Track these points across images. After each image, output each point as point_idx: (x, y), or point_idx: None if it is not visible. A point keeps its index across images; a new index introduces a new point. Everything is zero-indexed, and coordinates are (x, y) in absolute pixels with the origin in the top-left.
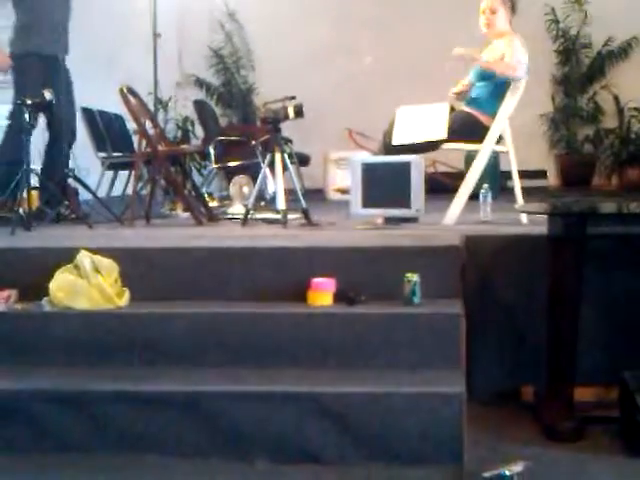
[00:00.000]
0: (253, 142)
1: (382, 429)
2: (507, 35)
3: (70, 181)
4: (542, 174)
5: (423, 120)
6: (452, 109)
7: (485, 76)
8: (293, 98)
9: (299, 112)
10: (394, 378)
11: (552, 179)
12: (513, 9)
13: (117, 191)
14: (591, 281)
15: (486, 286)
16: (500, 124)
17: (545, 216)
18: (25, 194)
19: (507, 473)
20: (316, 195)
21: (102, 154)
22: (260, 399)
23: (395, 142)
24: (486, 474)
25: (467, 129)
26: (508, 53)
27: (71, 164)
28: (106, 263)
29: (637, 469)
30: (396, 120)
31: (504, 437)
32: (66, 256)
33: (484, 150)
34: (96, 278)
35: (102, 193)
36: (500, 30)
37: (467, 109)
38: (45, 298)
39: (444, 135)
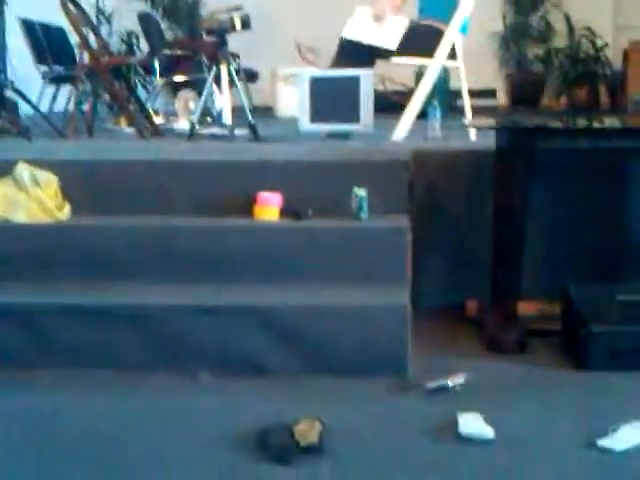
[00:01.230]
0: (200, 56)
1: (327, 342)
2: None
3: (9, 94)
4: (491, 93)
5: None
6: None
7: None
8: (239, 9)
9: (246, 23)
10: (340, 291)
11: (501, 98)
12: None
13: (59, 107)
14: (536, 195)
15: (433, 201)
16: (452, 35)
17: (494, 133)
18: None
19: (450, 384)
20: (265, 112)
21: (43, 67)
22: (204, 312)
23: (344, 34)
24: (429, 385)
25: (425, 41)
26: None
27: (10, 76)
28: (45, 175)
29: (578, 381)
30: (353, 16)
31: (448, 350)
32: (4, 169)
33: (434, 65)
34: (35, 190)
35: (44, 108)
36: None
37: (427, 20)
38: None
39: (394, 46)
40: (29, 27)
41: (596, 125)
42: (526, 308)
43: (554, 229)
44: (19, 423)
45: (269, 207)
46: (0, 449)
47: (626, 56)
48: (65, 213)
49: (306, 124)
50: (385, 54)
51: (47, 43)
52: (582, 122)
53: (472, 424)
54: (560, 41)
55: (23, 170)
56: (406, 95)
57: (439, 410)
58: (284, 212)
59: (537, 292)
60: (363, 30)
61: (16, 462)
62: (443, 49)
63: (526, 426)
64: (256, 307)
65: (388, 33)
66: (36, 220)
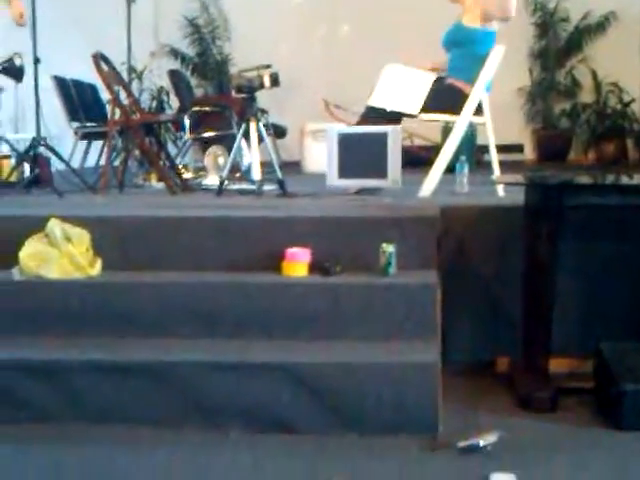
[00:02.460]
0: (229, 112)
1: (357, 399)
2: None
3: (42, 150)
4: (519, 148)
5: (405, 88)
6: (438, 80)
7: (457, 41)
8: (269, 67)
9: (275, 81)
10: (369, 348)
11: (529, 153)
12: None
13: (91, 162)
14: (567, 252)
15: (462, 257)
16: (478, 93)
17: (521, 188)
18: None
19: (481, 443)
20: (293, 167)
21: (75, 124)
22: (233, 369)
23: (370, 102)
24: (461, 444)
25: (448, 100)
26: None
27: (43, 132)
28: (77, 231)
29: (610, 440)
30: (381, 78)
31: (479, 407)
32: (36, 224)
33: (461, 121)
34: (67, 247)
35: (75, 164)
36: None
37: (449, 79)
38: (15, 267)
39: (416, 111)
40: (62, 85)
41: (625, 181)
42: (558, 365)
43: (586, 286)
44: (48, 478)
45: (297, 263)
46: None
47: None
48: (96, 269)
49: (334, 180)
50: (409, 116)
51: (79, 100)
52: (611, 178)
53: None
54: (587, 96)
55: (55, 226)
56: (433, 150)
57: (471, 470)
58: (312, 268)
59: (569, 349)
60: (388, 97)
61: None
62: (470, 106)
63: None
64: (285, 364)
65: (413, 96)
66: (68, 276)
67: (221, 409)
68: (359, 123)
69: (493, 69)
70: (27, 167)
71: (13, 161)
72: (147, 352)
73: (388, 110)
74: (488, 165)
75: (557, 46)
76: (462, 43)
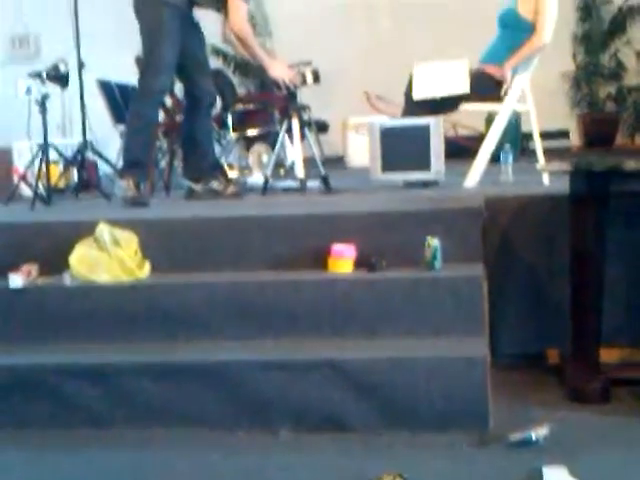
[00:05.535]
0: (272, 110)
1: (406, 395)
2: None
3: (89, 154)
4: (564, 134)
5: (443, 75)
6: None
7: (505, 24)
8: (309, 63)
9: (317, 77)
10: (417, 343)
11: (574, 139)
12: None
13: None
14: (614, 240)
15: (508, 248)
16: (521, 82)
17: (568, 176)
18: (44, 169)
19: (533, 436)
20: (336, 162)
21: (121, 126)
22: (282, 368)
23: (416, 96)
24: (512, 438)
25: (486, 88)
26: (540, 12)
27: (89, 137)
28: (125, 235)
29: None
30: (414, 76)
31: (529, 400)
32: (85, 229)
33: (504, 110)
34: (116, 250)
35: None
36: None
37: (481, 65)
38: (66, 272)
39: (467, 89)
40: (107, 88)
41: None
42: (609, 355)
43: (635, 274)
44: None
45: (343, 259)
46: None
47: None
48: (145, 271)
49: (377, 174)
50: (457, 102)
51: (124, 103)
52: None
53: (558, 478)
54: (632, 79)
55: (104, 230)
56: (477, 140)
57: (523, 464)
58: (358, 263)
59: (620, 339)
60: (431, 87)
61: None
62: (512, 94)
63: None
64: (333, 361)
65: (456, 79)
66: (117, 279)
67: (271, 408)
68: (402, 116)
69: (534, 61)
70: (75, 172)
71: (61, 167)
72: (197, 353)
73: (438, 98)
74: (534, 153)
75: (600, 29)
76: (510, 27)
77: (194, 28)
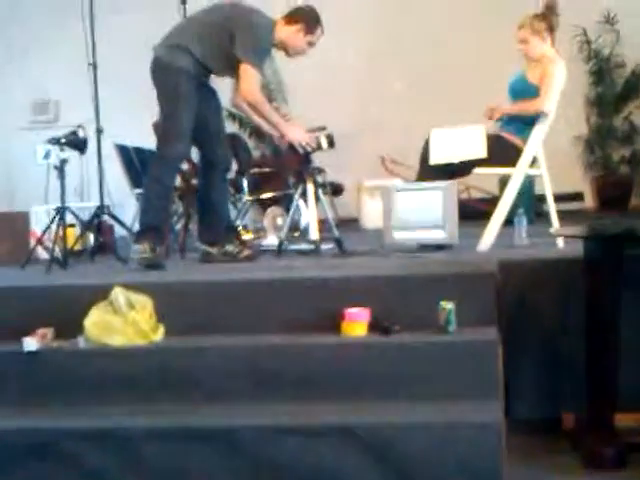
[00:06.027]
0: (287, 173)
1: (420, 460)
2: (544, 60)
3: (105, 218)
4: (578, 196)
5: (459, 141)
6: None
7: (517, 91)
8: (324, 129)
9: (331, 142)
10: (431, 408)
11: (589, 201)
12: (551, 29)
13: None
14: (631, 303)
15: (522, 312)
16: (533, 147)
17: (581, 239)
18: (61, 232)
19: None
20: (350, 224)
21: (137, 190)
22: (297, 433)
23: (433, 161)
24: None
25: (501, 153)
26: (544, 80)
27: (106, 200)
28: (140, 298)
29: None
30: (431, 141)
31: (545, 466)
32: (101, 292)
33: (517, 174)
34: (131, 314)
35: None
36: (536, 56)
37: (500, 133)
38: (81, 335)
39: (484, 154)
40: (124, 152)
41: None
42: (625, 420)
43: None
44: None
45: (357, 323)
46: None
47: None
48: (159, 335)
49: (391, 236)
50: (472, 167)
51: (141, 166)
52: None
53: None
54: None
55: (119, 294)
56: (490, 202)
57: None
58: (372, 327)
59: (636, 403)
60: (447, 152)
61: None
62: (525, 158)
63: None
64: (347, 426)
65: (472, 144)
66: (132, 343)
67: (285, 473)
68: (417, 180)
69: (545, 128)
70: (91, 235)
71: (78, 230)
72: (210, 417)
73: (456, 163)
74: (547, 216)
75: (613, 92)
76: (520, 94)
77: (210, 94)
